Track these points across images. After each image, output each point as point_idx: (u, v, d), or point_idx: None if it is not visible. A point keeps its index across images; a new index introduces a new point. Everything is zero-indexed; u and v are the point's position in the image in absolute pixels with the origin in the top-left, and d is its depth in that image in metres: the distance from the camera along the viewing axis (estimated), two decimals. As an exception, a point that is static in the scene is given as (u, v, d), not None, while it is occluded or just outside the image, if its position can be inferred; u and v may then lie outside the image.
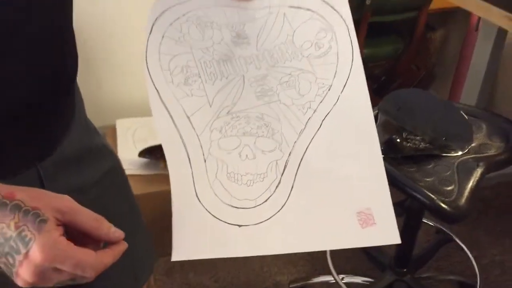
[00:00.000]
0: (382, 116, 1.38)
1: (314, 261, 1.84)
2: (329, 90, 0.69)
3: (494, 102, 2.38)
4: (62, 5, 0.72)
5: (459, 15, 2.38)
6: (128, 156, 1.74)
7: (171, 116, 0.68)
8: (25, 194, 0.52)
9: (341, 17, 0.70)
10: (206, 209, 0.64)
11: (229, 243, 0.63)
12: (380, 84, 2.73)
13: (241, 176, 0.66)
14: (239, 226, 0.64)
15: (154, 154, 1.72)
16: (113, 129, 1.90)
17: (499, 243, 1.98)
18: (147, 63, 0.69)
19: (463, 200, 1.16)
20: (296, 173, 0.66)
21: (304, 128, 0.68)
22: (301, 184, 0.65)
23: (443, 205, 1.13)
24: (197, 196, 0.65)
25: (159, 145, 1.71)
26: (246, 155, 0.67)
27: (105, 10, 0.72)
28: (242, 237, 0.63)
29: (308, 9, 0.72)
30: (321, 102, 0.69)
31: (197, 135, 0.68)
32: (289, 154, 0.67)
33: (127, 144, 1.82)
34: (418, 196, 1.16)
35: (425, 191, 1.16)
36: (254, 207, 0.64)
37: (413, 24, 2.28)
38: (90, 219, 0.56)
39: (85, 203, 0.84)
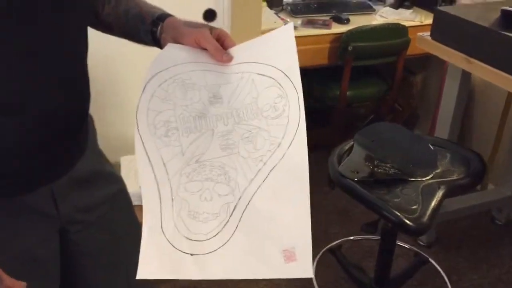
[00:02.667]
0: (357, 147, 1.55)
1: (300, 280, 1.97)
2: (278, 147, 0.81)
3: (469, 136, 2.56)
4: (84, 52, 0.91)
5: (436, 60, 2.59)
6: (132, 189, 1.90)
7: (150, 162, 0.82)
8: None
9: (295, 87, 0.83)
10: (168, 240, 0.79)
11: (182, 267, 0.78)
12: (367, 123, 2.92)
13: (199, 214, 0.80)
14: (191, 254, 0.78)
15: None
16: (117, 165, 2.07)
17: (478, 269, 2.10)
18: (137, 117, 0.84)
19: (425, 217, 1.31)
20: (242, 215, 0.79)
21: (254, 178, 0.80)
22: (244, 224, 0.79)
23: (406, 221, 1.29)
24: (162, 228, 0.80)
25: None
26: (205, 197, 0.81)
27: (112, 52, 0.83)
28: (193, 263, 0.77)
29: (271, 77, 0.85)
30: (270, 156, 0.81)
31: (169, 179, 0.82)
32: (239, 199, 0.79)
33: (130, 178, 1.98)
34: (386, 214, 1.32)
35: (392, 209, 1.32)
36: (205, 240, 0.79)
37: (394, 67, 2.49)
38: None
39: (90, 221, 1.00)
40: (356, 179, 1.40)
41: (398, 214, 1.30)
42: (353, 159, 1.49)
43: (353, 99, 2.50)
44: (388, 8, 2.63)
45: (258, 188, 0.80)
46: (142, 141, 0.83)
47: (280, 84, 0.84)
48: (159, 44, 0.93)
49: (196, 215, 0.80)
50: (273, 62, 0.86)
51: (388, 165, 1.49)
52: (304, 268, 0.76)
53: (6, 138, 0.79)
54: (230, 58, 0.87)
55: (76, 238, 1.00)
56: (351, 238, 2.13)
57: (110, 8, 0.97)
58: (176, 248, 0.78)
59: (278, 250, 0.77)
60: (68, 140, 0.90)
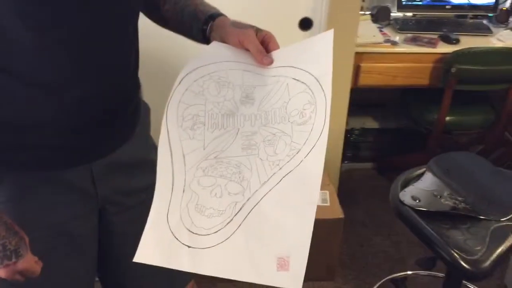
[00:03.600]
0: (429, 174, 1.44)
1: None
2: (297, 153, 0.79)
3: None
4: (132, 42, 0.96)
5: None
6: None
7: (171, 151, 0.84)
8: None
9: (325, 95, 0.82)
10: (170, 228, 0.80)
11: (178, 258, 0.78)
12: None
13: (206, 209, 0.80)
14: (189, 247, 0.78)
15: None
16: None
17: None
18: (167, 107, 0.87)
19: (487, 261, 1.17)
20: (246, 216, 0.78)
21: (267, 181, 0.79)
22: (246, 226, 0.77)
23: (462, 262, 1.16)
24: (167, 216, 0.81)
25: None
26: (215, 193, 0.81)
27: (187, 46, 0.85)
28: (188, 255, 0.77)
29: (304, 83, 0.84)
30: (287, 162, 0.79)
31: (185, 171, 0.83)
32: (248, 200, 0.79)
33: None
34: (440, 250, 1.20)
35: (448, 247, 1.19)
36: (206, 235, 0.78)
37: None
38: None
39: (130, 205, 1.04)
40: (415, 208, 1.30)
41: (453, 252, 1.18)
42: (419, 186, 1.38)
43: (453, 126, 2.32)
44: (509, 31, 2.40)
45: (268, 192, 0.78)
46: (167, 130, 0.86)
47: (311, 91, 0.83)
48: (209, 43, 0.95)
49: (203, 209, 0.80)
50: (308, 68, 0.85)
51: (459, 198, 1.35)
52: (294, 279, 0.73)
53: (48, 112, 0.86)
54: (270, 61, 0.87)
55: (113, 219, 1.05)
56: (420, 272, 1.97)
57: (171, 4, 1.01)
58: (176, 237, 0.79)
59: (273, 256, 0.74)
60: (109, 124, 0.94)
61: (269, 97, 0.86)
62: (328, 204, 1.93)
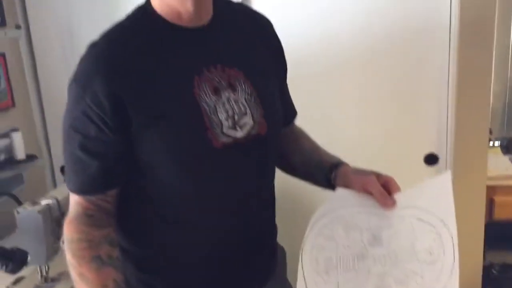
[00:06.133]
0: None
1: None
2: None
3: None
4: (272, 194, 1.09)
5: None
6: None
7: None
8: None
9: (451, 235, 0.86)
10: None
11: None
12: None
13: None
14: None
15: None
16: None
17: None
18: (302, 252, 0.94)
19: None
20: None
21: None
22: None
23: None
24: None
25: None
26: None
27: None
28: None
29: (429, 223, 0.89)
30: None
31: None
32: None
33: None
34: None
35: None
36: None
37: None
38: None
39: None
40: None
41: None
42: None
43: None
44: None
45: None
46: (304, 276, 0.93)
47: (437, 231, 0.88)
48: (333, 188, 1.04)
49: None
50: (431, 209, 0.91)
51: None
52: None
53: (201, 252, 0.99)
54: (393, 203, 0.93)
55: None
56: None
57: (299, 156, 1.14)
58: None
59: None
60: (249, 265, 1.04)
61: (396, 237, 0.91)
62: None
